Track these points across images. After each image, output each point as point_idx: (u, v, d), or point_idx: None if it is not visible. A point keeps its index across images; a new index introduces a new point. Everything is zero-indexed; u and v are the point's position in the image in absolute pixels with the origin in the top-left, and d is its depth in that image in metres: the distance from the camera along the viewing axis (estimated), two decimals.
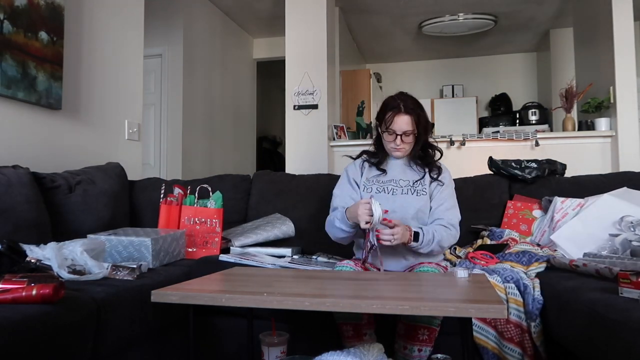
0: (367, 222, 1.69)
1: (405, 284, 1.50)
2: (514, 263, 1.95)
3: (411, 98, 1.96)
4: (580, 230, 2.06)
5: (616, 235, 1.91)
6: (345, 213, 1.83)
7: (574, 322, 1.45)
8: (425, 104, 5.69)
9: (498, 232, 2.28)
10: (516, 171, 2.47)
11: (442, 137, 4.15)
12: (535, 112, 6.48)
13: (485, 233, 2.32)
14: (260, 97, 6.81)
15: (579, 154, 3.93)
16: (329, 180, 2.63)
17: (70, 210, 2.24)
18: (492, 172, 2.59)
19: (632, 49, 4.00)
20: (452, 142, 4.21)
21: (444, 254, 2.14)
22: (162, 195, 2.44)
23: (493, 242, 2.22)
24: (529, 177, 2.45)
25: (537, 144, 4.03)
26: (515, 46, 6.98)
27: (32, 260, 1.59)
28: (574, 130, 4.19)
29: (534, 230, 2.31)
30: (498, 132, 4.45)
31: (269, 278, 1.58)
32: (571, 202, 2.21)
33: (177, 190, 2.44)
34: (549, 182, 2.47)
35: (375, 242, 1.71)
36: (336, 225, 1.88)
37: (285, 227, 2.46)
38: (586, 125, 4.16)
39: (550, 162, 2.51)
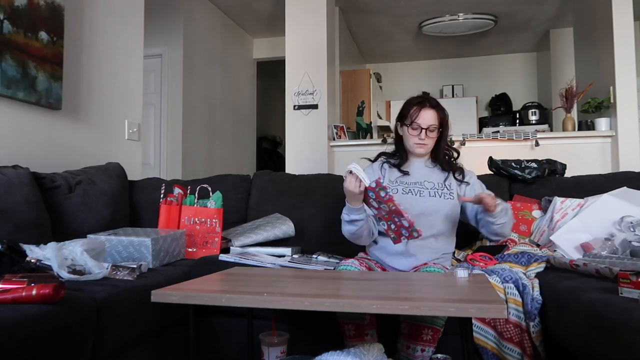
0: (361, 190, 1.63)
1: (405, 284, 1.50)
2: (512, 264, 1.95)
3: (434, 98, 2.00)
4: (580, 231, 2.06)
5: (611, 238, 1.91)
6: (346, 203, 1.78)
7: (573, 322, 1.45)
8: None
9: None
10: (516, 171, 2.47)
11: None
12: (535, 112, 6.48)
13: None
14: (260, 97, 6.81)
15: (579, 154, 3.94)
16: (329, 180, 2.63)
17: (70, 210, 2.24)
18: (492, 172, 2.59)
19: (632, 49, 4.00)
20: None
21: None
22: (162, 195, 2.45)
23: (492, 244, 2.22)
24: (529, 177, 2.45)
25: (537, 144, 4.03)
26: (515, 46, 6.98)
27: (32, 260, 1.59)
28: (574, 130, 4.19)
29: (533, 231, 2.31)
30: (498, 132, 4.45)
31: (269, 278, 1.58)
32: (571, 202, 2.21)
33: (177, 190, 2.44)
34: (548, 182, 2.47)
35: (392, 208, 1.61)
36: (346, 220, 1.80)
37: (285, 227, 2.46)
38: (586, 125, 4.16)
39: (550, 162, 2.51)
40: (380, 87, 6.78)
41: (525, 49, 7.10)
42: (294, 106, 4.46)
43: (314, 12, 4.46)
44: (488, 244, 2.23)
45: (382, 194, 1.61)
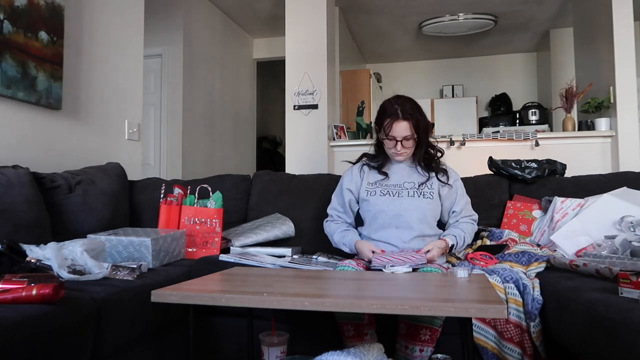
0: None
1: (405, 284, 1.50)
2: (513, 263, 1.95)
3: (409, 101, 1.92)
4: (580, 231, 2.06)
5: (612, 237, 1.91)
6: (355, 245, 1.92)
7: (573, 322, 1.45)
8: (425, 104, 5.71)
9: (497, 232, 2.28)
10: (516, 171, 2.47)
11: (442, 137, 4.14)
12: (535, 112, 6.48)
13: (484, 234, 2.32)
14: (260, 97, 6.81)
15: (579, 154, 3.94)
16: (329, 180, 2.63)
17: (70, 210, 2.24)
18: (492, 172, 2.59)
19: (632, 49, 4.00)
20: (452, 142, 4.21)
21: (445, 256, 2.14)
22: (162, 195, 2.45)
23: (492, 243, 2.22)
24: (529, 177, 2.45)
25: (537, 144, 4.03)
26: (515, 46, 6.98)
27: (32, 260, 1.59)
28: (574, 130, 4.19)
29: (533, 231, 2.31)
30: (498, 132, 4.45)
31: (269, 278, 1.58)
32: (571, 202, 2.21)
33: (177, 190, 2.44)
34: (549, 182, 2.47)
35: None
36: (335, 241, 2.02)
37: (285, 227, 2.46)
38: (586, 125, 4.16)
39: (550, 162, 2.51)
40: (380, 87, 6.77)
41: (525, 49, 7.10)
42: (294, 106, 4.46)
43: (314, 12, 4.46)
44: (489, 243, 2.23)
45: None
